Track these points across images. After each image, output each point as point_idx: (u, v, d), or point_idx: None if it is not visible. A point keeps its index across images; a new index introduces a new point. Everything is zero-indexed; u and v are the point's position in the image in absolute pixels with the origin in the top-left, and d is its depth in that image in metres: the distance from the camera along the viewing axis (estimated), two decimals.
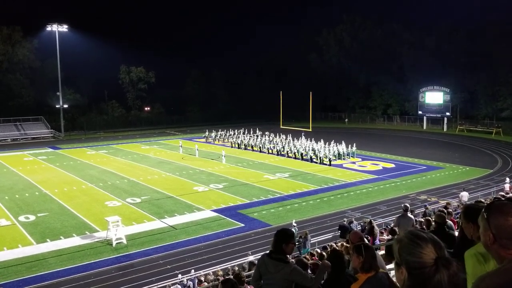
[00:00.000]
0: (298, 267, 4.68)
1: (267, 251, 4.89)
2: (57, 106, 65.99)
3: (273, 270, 4.62)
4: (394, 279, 4.03)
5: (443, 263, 1.83)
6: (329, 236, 21.04)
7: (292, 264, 4.68)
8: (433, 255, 1.85)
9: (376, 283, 3.82)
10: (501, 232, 1.96)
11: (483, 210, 2.07)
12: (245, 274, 8.38)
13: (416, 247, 1.88)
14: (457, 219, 11.46)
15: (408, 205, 13.76)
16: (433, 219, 8.69)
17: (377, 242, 14.13)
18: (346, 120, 77.44)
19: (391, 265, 4.85)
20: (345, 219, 20.85)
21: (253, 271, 5.45)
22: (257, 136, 51.09)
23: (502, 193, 16.73)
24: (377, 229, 15.45)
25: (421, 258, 1.85)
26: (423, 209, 20.66)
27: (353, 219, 21.42)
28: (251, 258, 17.29)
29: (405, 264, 1.90)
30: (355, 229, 18.29)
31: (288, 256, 4.72)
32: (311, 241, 19.25)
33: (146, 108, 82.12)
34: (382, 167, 37.73)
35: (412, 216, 13.26)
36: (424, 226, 9.95)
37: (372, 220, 17.83)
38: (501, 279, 1.71)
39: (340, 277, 4.76)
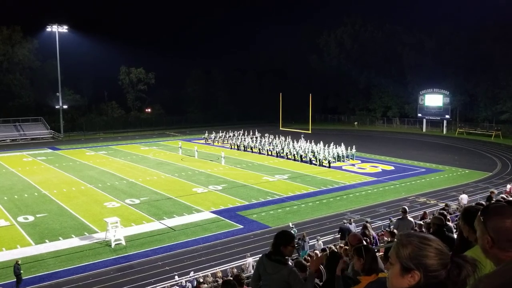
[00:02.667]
0: (296, 271, 4.66)
1: (266, 252, 4.87)
2: (56, 106, 65.97)
3: (271, 271, 4.61)
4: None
5: (464, 260, 1.81)
6: (328, 238, 21.02)
7: (290, 266, 4.66)
8: (448, 255, 1.83)
9: (378, 287, 3.79)
10: (500, 235, 1.94)
11: (478, 214, 2.06)
12: (244, 275, 8.38)
13: (429, 248, 1.84)
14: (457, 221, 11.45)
15: (406, 208, 13.74)
16: (432, 222, 8.68)
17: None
18: (356, 123, 75.84)
19: None
20: (345, 221, 20.83)
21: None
22: (257, 137, 51.07)
23: (503, 196, 16.71)
24: (371, 232, 15.38)
25: (441, 259, 1.82)
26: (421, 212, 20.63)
27: (352, 221, 21.38)
28: (250, 260, 17.28)
29: (421, 268, 1.83)
30: (354, 231, 18.32)
31: (287, 258, 4.71)
32: (310, 243, 19.25)
33: (146, 110, 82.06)
34: (382, 169, 37.73)
35: (411, 219, 13.25)
36: (424, 229, 9.96)
37: (367, 224, 17.86)
38: (499, 280, 1.70)
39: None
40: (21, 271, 16.90)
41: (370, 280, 3.84)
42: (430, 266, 1.82)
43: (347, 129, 70.62)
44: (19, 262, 17.23)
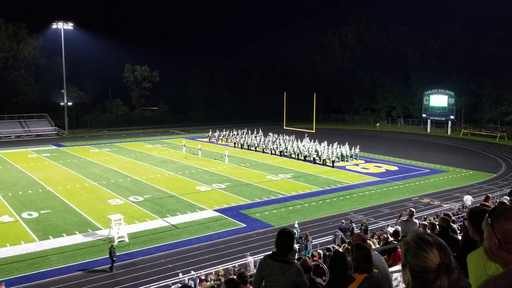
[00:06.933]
0: (302, 270, 4.63)
1: (269, 253, 4.82)
2: (61, 103, 66.19)
3: (278, 272, 4.53)
4: (399, 278, 4.05)
5: (444, 270, 1.83)
6: (329, 238, 21.01)
7: (296, 265, 4.62)
8: (437, 261, 1.85)
9: (372, 283, 3.83)
10: (507, 237, 1.95)
11: (486, 215, 2.06)
12: (248, 274, 8.37)
13: (421, 251, 1.88)
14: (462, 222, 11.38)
15: (413, 210, 13.70)
16: (438, 223, 8.66)
17: None
18: (378, 124, 74.52)
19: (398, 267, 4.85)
20: (343, 221, 20.89)
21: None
22: (260, 136, 51.07)
23: (506, 198, 16.63)
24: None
25: (424, 262, 1.85)
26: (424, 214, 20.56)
27: (352, 223, 21.34)
28: (250, 258, 17.30)
29: (409, 267, 1.90)
30: (355, 231, 18.32)
31: (291, 257, 4.65)
32: (313, 243, 19.25)
33: (150, 108, 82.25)
34: (385, 169, 37.65)
35: (416, 221, 13.21)
36: (428, 230, 9.92)
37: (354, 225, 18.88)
38: (506, 282, 1.70)
39: (342, 279, 4.73)
40: (115, 254, 17.92)
41: (364, 276, 3.89)
42: (415, 266, 1.88)
43: (350, 129, 70.44)
44: (114, 246, 18.17)
